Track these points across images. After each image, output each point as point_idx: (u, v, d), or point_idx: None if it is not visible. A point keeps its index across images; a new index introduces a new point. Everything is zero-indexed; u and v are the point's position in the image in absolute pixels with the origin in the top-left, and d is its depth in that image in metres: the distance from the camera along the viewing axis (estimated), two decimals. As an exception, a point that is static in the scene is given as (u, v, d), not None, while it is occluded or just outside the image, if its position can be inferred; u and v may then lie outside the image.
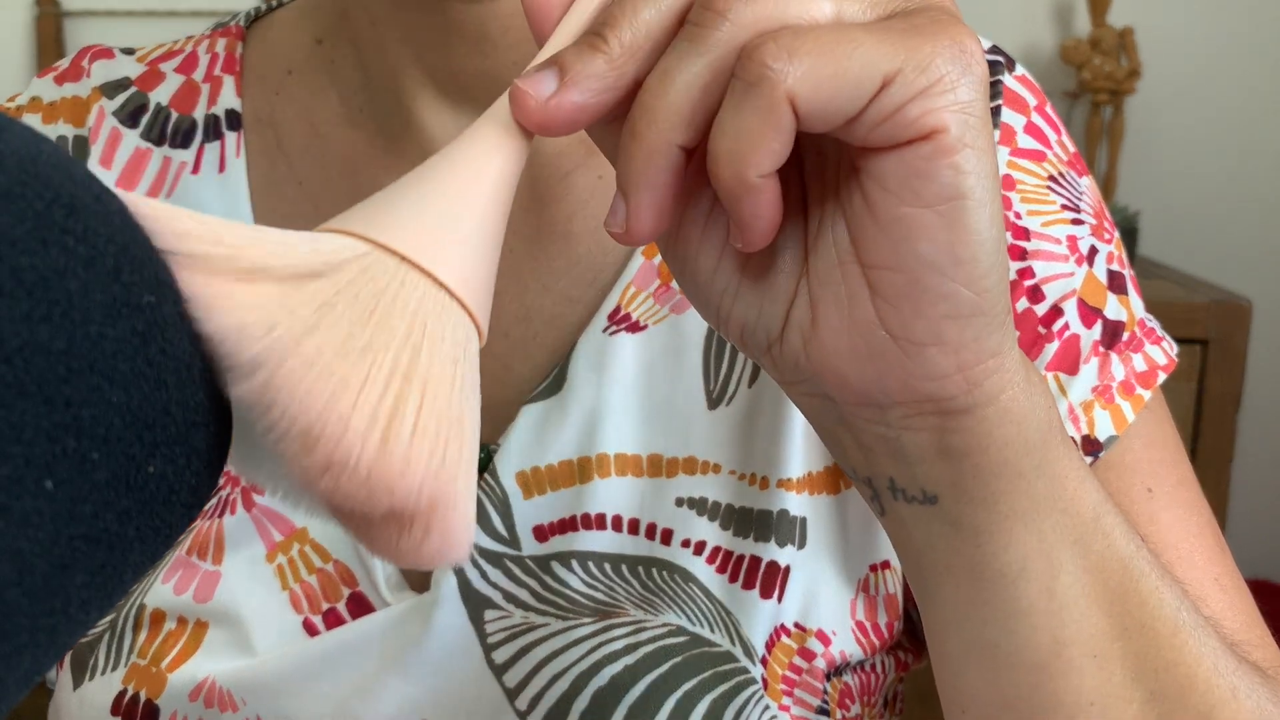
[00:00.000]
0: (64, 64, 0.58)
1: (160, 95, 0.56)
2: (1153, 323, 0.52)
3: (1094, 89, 1.68)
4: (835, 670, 0.50)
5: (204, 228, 0.26)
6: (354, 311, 0.27)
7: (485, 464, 0.50)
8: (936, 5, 0.31)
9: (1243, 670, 0.38)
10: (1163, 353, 0.51)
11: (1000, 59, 0.52)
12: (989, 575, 0.35)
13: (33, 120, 0.56)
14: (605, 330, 0.50)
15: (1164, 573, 0.37)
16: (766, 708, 0.47)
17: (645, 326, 0.50)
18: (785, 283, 0.33)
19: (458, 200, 0.30)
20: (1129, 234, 1.60)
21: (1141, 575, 0.36)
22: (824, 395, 0.34)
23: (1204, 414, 1.42)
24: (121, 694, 0.49)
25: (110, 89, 0.56)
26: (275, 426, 0.26)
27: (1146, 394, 0.49)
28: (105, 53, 0.58)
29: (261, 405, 0.26)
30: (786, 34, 0.29)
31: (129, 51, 0.58)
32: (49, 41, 1.70)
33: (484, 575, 0.49)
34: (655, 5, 0.31)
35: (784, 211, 0.32)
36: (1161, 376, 0.50)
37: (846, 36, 0.29)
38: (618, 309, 0.50)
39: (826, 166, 0.33)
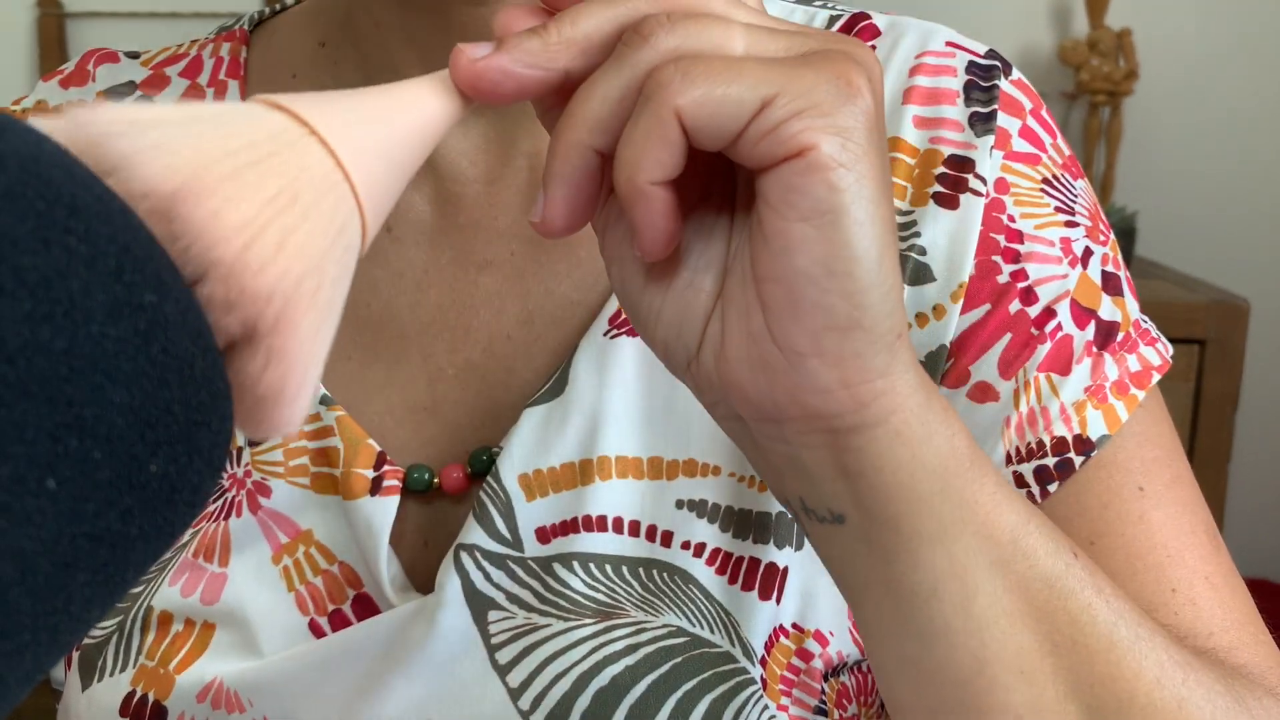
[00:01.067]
0: (69, 67, 0.58)
1: (165, 100, 0.56)
2: (1148, 324, 0.52)
3: (1092, 90, 1.68)
4: (833, 670, 0.50)
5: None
6: (249, 151, 0.28)
7: (488, 466, 0.50)
8: (843, 50, 0.33)
9: (1194, 681, 0.38)
10: (1157, 354, 0.51)
11: (997, 63, 0.53)
12: (903, 593, 0.36)
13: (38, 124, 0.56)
14: (606, 333, 0.50)
15: (1101, 588, 0.38)
16: (765, 708, 0.47)
17: (645, 329, 0.51)
18: (704, 304, 0.35)
19: (377, 113, 0.32)
20: (1127, 234, 1.60)
21: (1069, 593, 0.37)
22: (736, 416, 0.36)
23: (1202, 414, 1.42)
24: (130, 695, 0.50)
25: (115, 93, 0.56)
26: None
27: (1140, 394, 0.49)
28: (110, 56, 0.58)
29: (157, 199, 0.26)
30: (687, 60, 0.32)
31: (133, 55, 0.58)
32: (51, 43, 1.70)
33: (487, 576, 0.49)
34: (599, 16, 0.34)
35: (707, 238, 0.35)
36: (1156, 377, 0.50)
37: (737, 65, 0.32)
38: (618, 312, 0.51)
39: (747, 197, 0.35)
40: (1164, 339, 0.52)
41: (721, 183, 0.36)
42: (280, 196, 0.28)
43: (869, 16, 0.55)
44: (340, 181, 0.30)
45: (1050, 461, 0.48)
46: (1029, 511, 0.37)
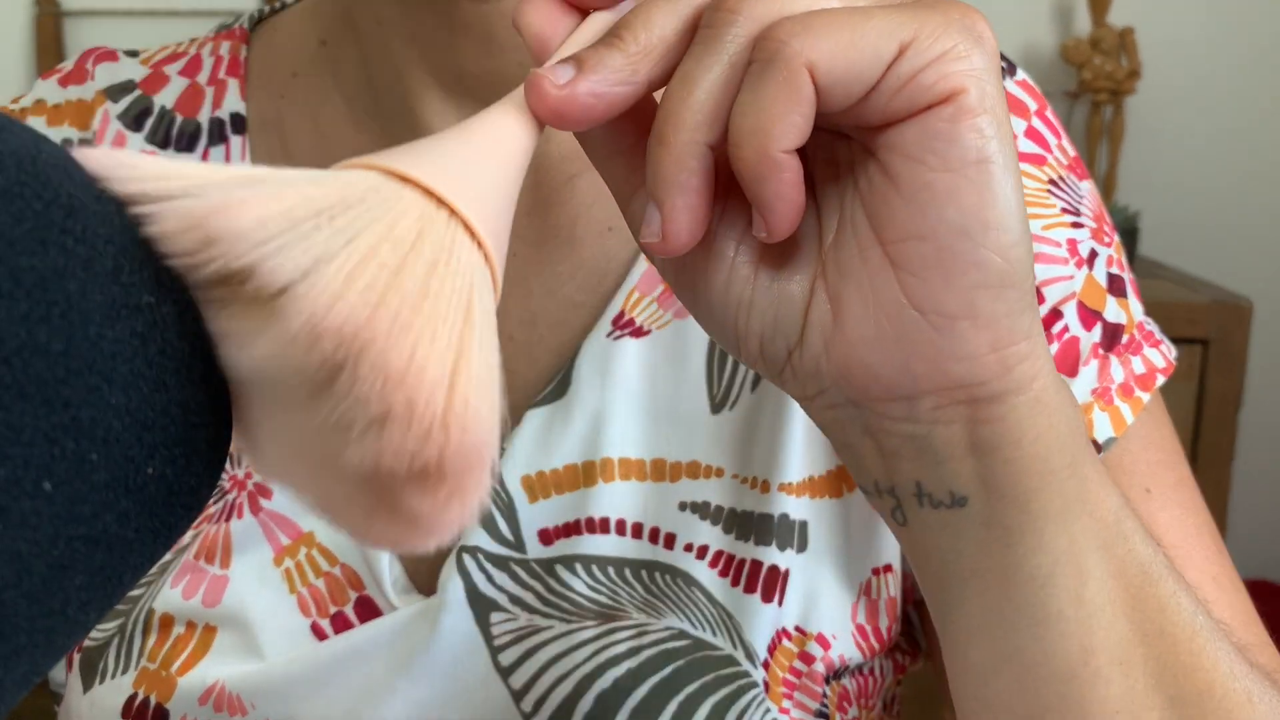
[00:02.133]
0: (68, 66, 0.58)
1: (164, 98, 0.55)
2: (1151, 325, 0.52)
3: (1094, 89, 1.68)
4: (834, 674, 0.50)
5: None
6: (416, 262, 0.26)
7: (489, 467, 0.50)
8: (948, 2, 0.31)
9: (1254, 674, 0.38)
10: (1161, 356, 0.51)
11: (1001, 64, 0.52)
12: (1019, 579, 0.34)
13: (37, 122, 0.56)
14: (609, 335, 0.50)
15: (1179, 576, 0.37)
16: (768, 711, 0.47)
17: (649, 331, 0.50)
18: (799, 286, 0.33)
19: (481, 160, 0.29)
20: (1129, 234, 1.60)
21: (1160, 579, 0.36)
22: (846, 403, 0.34)
23: (1205, 414, 1.42)
24: (132, 698, 0.49)
25: (114, 92, 0.56)
26: (349, 385, 0.24)
27: (1145, 396, 0.49)
28: (109, 55, 0.58)
29: (336, 365, 0.24)
30: (800, 15, 0.30)
31: (132, 53, 0.58)
32: (48, 41, 1.70)
33: (490, 579, 0.49)
34: (668, 12, 0.31)
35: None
36: (1160, 379, 0.50)
37: (860, 11, 0.30)
38: (621, 314, 0.50)
39: (839, 166, 0.33)
40: (1167, 341, 0.52)
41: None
42: (463, 321, 0.26)
43: None
44: (486, 271, 0.28)
45: None
46: (1121, 494, 0.36)
